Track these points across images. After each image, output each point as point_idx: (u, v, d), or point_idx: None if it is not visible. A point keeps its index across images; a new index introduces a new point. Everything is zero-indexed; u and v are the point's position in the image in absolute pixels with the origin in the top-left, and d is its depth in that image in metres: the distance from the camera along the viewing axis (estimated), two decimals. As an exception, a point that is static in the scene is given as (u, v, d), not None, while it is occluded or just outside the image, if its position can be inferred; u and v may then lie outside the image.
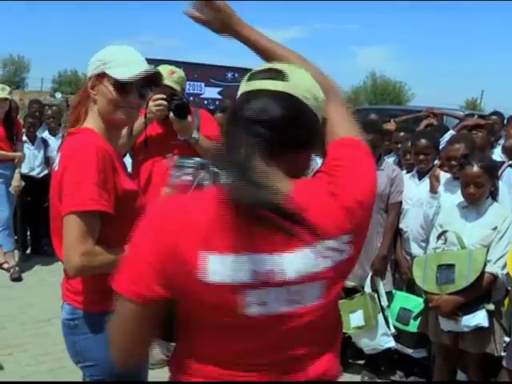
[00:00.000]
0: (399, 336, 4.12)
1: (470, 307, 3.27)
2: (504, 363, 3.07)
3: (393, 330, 4.07)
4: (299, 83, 1.27)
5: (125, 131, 3.63)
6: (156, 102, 3.41)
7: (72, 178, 1.90)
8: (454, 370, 3.79)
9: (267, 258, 1.15)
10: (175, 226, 1.19)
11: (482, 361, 3.49)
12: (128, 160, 3.89)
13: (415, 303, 4.00)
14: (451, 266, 3.32)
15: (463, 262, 3.26)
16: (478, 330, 3.29)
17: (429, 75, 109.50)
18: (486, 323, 3.26)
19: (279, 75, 1.26)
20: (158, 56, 10.06)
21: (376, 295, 4.10)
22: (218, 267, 1.15)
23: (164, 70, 3.65)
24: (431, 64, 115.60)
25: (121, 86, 2.03)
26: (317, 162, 1.45)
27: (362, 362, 4.51)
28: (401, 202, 4.28)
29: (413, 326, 3.96)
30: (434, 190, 3.99)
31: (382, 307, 4.09)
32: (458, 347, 3.48)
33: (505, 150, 4.83)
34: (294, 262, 1.18)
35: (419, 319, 3.82)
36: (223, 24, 1.61)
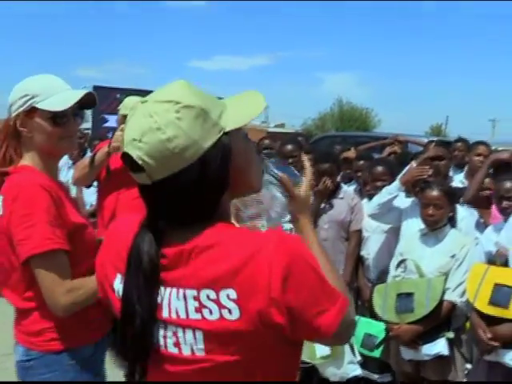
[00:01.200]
0: (364, 362, 4.08)
1: (429, 336, 3.28)
2: None
3: (359, 358, 4.04)
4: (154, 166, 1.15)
5: (86, 161, 3.59)
6: (123, 132, 3.38)
7: (23, 223, 1.85)
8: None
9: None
10: (107, 243, 1.34)
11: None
12: (91, 190, 3.84)
13: (378, 329, 3.96)
14: (410, 295, 3.32)
15: (422, 291, 3.27)
16: (439, 358, 3.29)
17: (395, 101, 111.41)
18: (446, 351, 3.26)
19: (138, 167, 1.15)
20: (126, 85, 10.03)
21: None
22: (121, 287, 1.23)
23: (130, 101, 3.65)
24: (397, 89, 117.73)
25: (57, 118, 1.97)
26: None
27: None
28: (359, 230, 4.30)
29: (377, 352, 3.92)
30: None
31: None
32: (420, 375, 3.48)
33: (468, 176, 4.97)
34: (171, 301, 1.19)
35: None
36: (296, 207, 1.61)
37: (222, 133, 1.18)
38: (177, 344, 1.17)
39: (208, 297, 1.12)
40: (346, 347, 4.02)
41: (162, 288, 1.17)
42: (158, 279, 1.17)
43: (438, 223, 3.48)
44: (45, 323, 1.96)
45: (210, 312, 1.12)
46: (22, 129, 1.98)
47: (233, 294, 1.10)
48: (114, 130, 4.93)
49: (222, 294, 1.11)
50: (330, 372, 4.11)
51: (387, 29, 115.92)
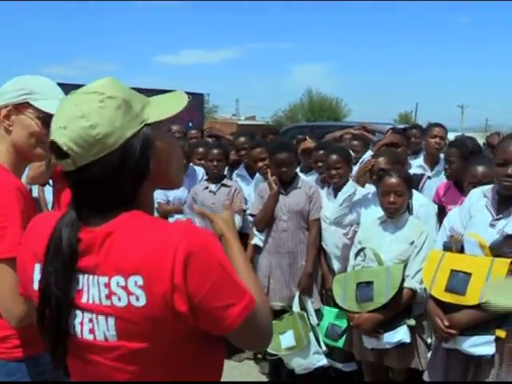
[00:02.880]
0: (329, 352, 4.07)
1: (390, 324, 3.26)
2: (424, 377, 3.06)
3: (324, 348, 4.03)
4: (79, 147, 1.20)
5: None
6: None
7: None
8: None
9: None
10: (26, 238, 1.37)
11: (410, 376, 3.49)
12: (48, 189, 3.77)
13: (342, 319, 3.92)
14: (370, 284, 3.30)
15: (381, 279, 3.25)
16: (401, 345, 3.28)
17: (364, 90, 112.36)
18: (407, 339, 3.25)
19: (64, 153, 1.20)
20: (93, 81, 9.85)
21: (305, 314, 4.07)
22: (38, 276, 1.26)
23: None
24: (366, 79, 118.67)
25: (47, 120, 1.90)
26: None
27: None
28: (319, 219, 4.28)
29: (340, 342, 3.90)
30: (356, 179, 4.11)
31: (311, 325, 4.06)
32: (384, 364, 3.47)
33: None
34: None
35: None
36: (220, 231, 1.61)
37: (143, 124, 1.26)
38: (92, 331, 1.21)
39: (118, 284, 1.16)
40: (312, 338, 4.01)
41: (81, 274, 1.21)
42: (74, 264, 1.20)
43: (399, 211, 3.46)
44: (9, 330, 1.86)
45: (119, 299, 1.16)
46: (4, 120, 1.92)
47: (140, 280, 1.15)
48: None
49: (130, 281, 1.15)
50: (296, 363, 4.13)
51: (355, 21, 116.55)
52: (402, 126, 8.14)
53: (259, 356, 4.90)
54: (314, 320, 4.09)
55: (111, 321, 1.18)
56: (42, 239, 1.26)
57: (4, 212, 1.77)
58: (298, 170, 4.77)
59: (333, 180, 4.23)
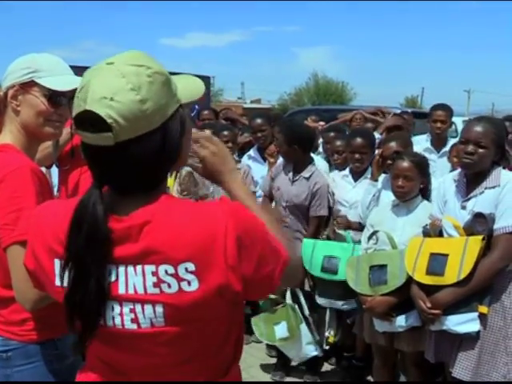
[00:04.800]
0: (325, 289, 3.90)
1: (403, 307, 3.25)
2: (425, 355, 3.17)
3: (317, 338, 4.04)
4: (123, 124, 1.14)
5: (48, 142, 3.48)
6: None
7: (10, 206, 1.72)
8: (394, 371, 3.78)
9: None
10: (36, 230, 1.31)
11: (421, 360, 3.49)
12: (54, 170, 3.75)
13: (340, 249, 3.82)
14: (383, 267, 3.28)
15: (395, 262, 3.23)
16: (413, 329, 3.27)
17: (370, 74, 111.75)
18: (419, 322, 3.24)
19: (103, 126, 1.12)
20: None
21: (296, 306, 4.07)
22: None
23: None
24: (372, 62, 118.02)
25: (54, 98, 1.89)
26: None
27: (303, 367, 4.53)
28: (320, 217, 4.20)
29: (341, 274, 3.68)
30: (374, 177, 3.97)
31: (304, 317, 4.07)
32: (394, 347, 3.47)
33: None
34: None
35: (349, 266, 3.56)
36: (212, 169, 1.53)
37: (179, 104, 1.24)
38: (135, 320, 1.19)
39: (166, 272, 1.14)
40: (304, 329, 4.04)
41: (115, 265, 1.17)
42: (111, 254, 1.16)
43: (407, 195, 3.44)
44: (27, 313, 1.83)
45: (169, 286, 1.15)
46: (12, 100, 1.89)
47: (191, 266, 1.13)
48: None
49: (181, 268, 1.14)
50: (291, 354, 4.24)
51: (362, 3, 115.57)
52: (409, 110, 8.12)
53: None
54: (306, 311, 4.09)
55: (159, 308, 1.17)
56: (57, 232, 1.22)
57: (20, 193, 1.73)
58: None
59: (355, 164, 4.19)
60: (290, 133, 4.21)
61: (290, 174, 4.26)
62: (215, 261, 1.13)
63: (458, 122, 11.88)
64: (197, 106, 11.47)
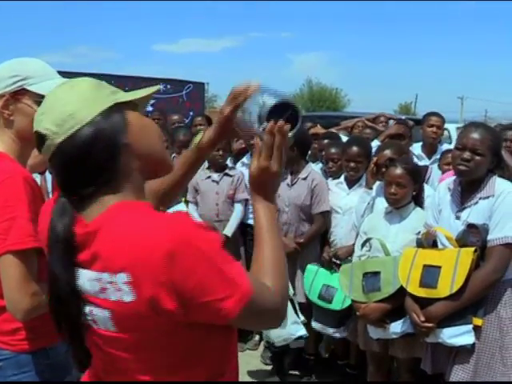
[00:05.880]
0: (319, 315, 4.03)
1: (397, 314, 3.25)
2: (422, 366, 3.14)
3: (302, 318, 3.97)
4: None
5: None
6: None
7: (2, 215, 1.72)
8: (388, 378, 3.78)
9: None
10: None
11: (415, 366, 3.49)
12: (48, 175, 3.75)
13: (336, 279, 3.85)
14: (377, 274, 3.29)
15: (388, 269, 3.24)
16: (407, 335, 3.27)
17: (364, 80, 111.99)
18: (413, 329, 3.24)
19: (44, 139, 1.25)
20: (92, 69, 9.89)
21: None
22: None
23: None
24: (366, 69, 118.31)
25: None
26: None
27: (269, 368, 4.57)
28: (323, 212, 4.26)
29: (336, 304, 3.85)
30: (368, 185, 3.98)
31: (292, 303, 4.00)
32: (389, 354, 3.47)
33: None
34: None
35: (343, 296, 3.72)
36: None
37: (114, 102, 1.27)
38: (95, 322, 1.23)
39: (107, 279, 1.17)
40: (289, 308, 3.94)
41: (80, 268, 1.22)
42: (73, 257, 1.21)
43: (400, 202, 3.45)
44: (18, 322, 1.83)
45: (111, 293, 1.17)
46: (4, 110, 1.88)
47: (126, 277, 1.14)
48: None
49: (118, 278, 1.15)
50: (275, 334, 4.02)
51: (355, 10, 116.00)
52: (403, 117, 8.14)
53: (265, 345, 4.87)
54: (290, 291, 4.02)
55: (107, 313, 1.20)
56: (44, 230, 1.28)
57: (12, 203, 1.73)
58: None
59: (350, 172, 4.22)
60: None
61: (288, 179, 4.30)
62: (148, 274, 1.12)
63: (452, 128, 11.88)
64: (191, 113, 11.47)
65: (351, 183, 4.29)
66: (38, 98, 1.85)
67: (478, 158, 2.81)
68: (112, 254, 1.16)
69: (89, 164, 1.22)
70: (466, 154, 2.82)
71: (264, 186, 1.41)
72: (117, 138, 1.25)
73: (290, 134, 1.36)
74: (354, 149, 4.17)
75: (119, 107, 1.28)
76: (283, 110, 1.35)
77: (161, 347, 1.21)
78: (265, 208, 1.40)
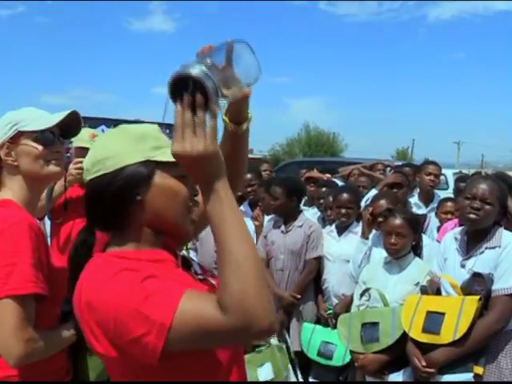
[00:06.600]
0: (320, 373, 4.02)
1: (395, 365, 3.23)
2: None
3: (301, 380, 3.97)
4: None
5: (44, 194, 3.51)
6: (76, 165, 3.32)
7: (4, 260, 1.73)
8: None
9: None
10: None
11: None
12: (47, 221, 3.77)
13: (336, 336, 3.80)
14: (375, 324, 3.29)
15: (387, 320, 3.24)
16: (405, 386, 3.25)
17: (361, 125, 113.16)
18: (412, 380, 3.22)
19: None
20: (91, 113, 10.00)
21: (284, 346, 4.03)
22: None
23: (86, 133, 3.62)
24: (363, 113, 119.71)
25: (43, 138, 1.92)
26: None
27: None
28: (317, 258, 4.28)
29: (337, 360, 3.86)
30: (365, 235, 4.00)
31: (290, 358, 4.01)
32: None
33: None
34: None
35: (343, 352, 3.73)
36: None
37: (146, 158, 1.34)
38: None
39: None
40: (290, 370, 3.94)
41: None
42: None
43: (400, 252, 3.47)
44: (9, 370, 1.81)
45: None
46: (7, 158, 1.93)
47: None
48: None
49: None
50: None
51: (352, 55, 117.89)
52: (399, 163, 8.21)
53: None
54: (292, 352, 4.06)
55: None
56: None
57: (14, 249, 1.75)
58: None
59: (341, 219, 4.26)
60: (291, 185, 4.41)
61: (283, 227, 4.35)
62: (83, 321, 1.27)
63: (449, 174, 11.98)
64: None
65: (341, 230, 4.34)
66: (35, 135, 1.92)
67: (487, 207, 2.92)
68: (79, 301, 1.29)
69: (98, 206, 1.36)
70: (476, 203, 2.92)
71: (200, 171, 1.19)
72: (131, 191, 1.33)
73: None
74: (345, 195, 4.28)
75: (150, 164, 1.34)
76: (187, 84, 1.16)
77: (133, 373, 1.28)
78: (216, 201, 1.23)
